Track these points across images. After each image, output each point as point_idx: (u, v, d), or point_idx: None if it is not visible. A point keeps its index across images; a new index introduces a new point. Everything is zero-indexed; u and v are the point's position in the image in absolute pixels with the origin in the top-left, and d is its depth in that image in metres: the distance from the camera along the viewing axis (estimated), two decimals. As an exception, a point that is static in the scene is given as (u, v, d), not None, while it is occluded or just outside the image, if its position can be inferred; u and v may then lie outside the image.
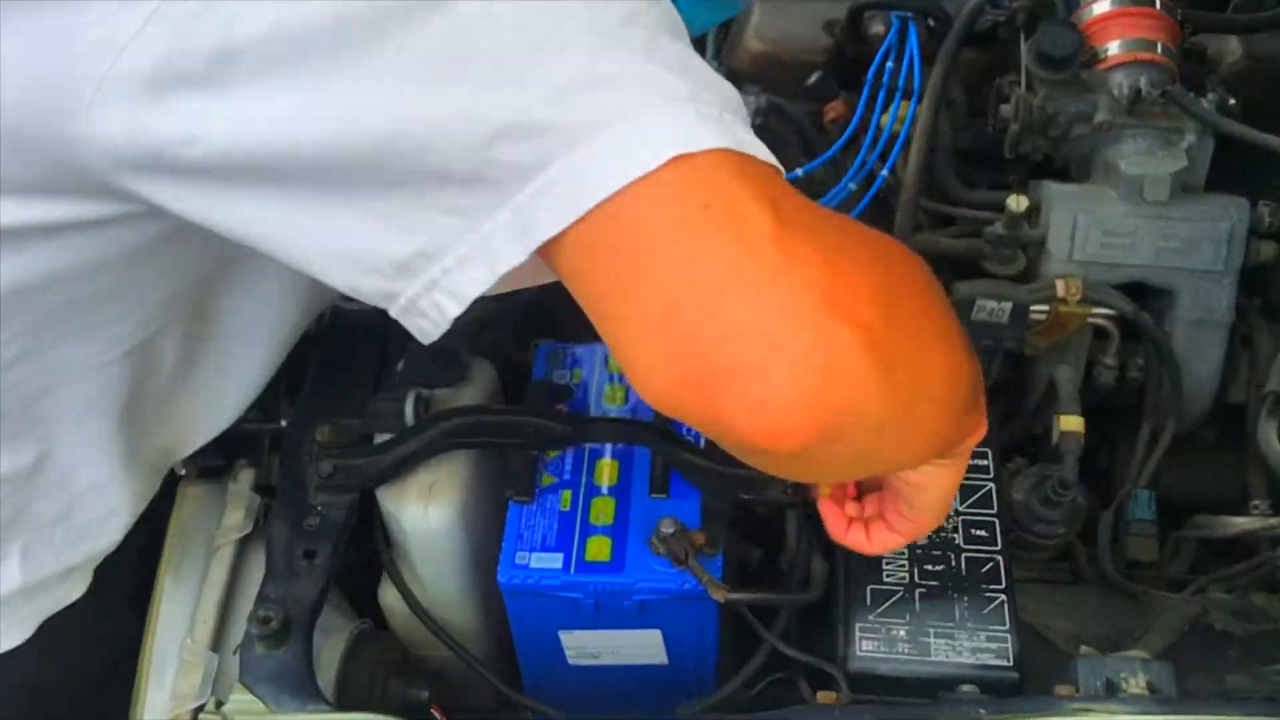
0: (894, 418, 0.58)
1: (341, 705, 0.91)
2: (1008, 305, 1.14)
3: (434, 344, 1.01)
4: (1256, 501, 1.12)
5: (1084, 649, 0.83)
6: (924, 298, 0.62)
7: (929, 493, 0.73)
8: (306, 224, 0.59)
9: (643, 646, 0.94)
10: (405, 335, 1.10)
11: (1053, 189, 1.20)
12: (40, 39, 0.58)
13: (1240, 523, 1.10)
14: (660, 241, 0.54)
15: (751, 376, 0.53)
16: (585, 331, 1.15)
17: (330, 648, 0.99)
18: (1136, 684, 0.76)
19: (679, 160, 0.53)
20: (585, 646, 0.95)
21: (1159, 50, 1.23)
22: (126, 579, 1.00)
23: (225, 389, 0.96)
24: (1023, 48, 1.26)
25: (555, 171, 0.54)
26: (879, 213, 1.28)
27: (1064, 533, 1.06)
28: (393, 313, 0.63)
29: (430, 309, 0.61)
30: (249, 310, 0.90)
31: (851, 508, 0.80)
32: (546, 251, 0.56)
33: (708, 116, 0.55)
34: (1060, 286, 1.15)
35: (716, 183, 0.55)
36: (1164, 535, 1.14)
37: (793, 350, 0.53)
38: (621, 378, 1.02)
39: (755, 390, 0.54)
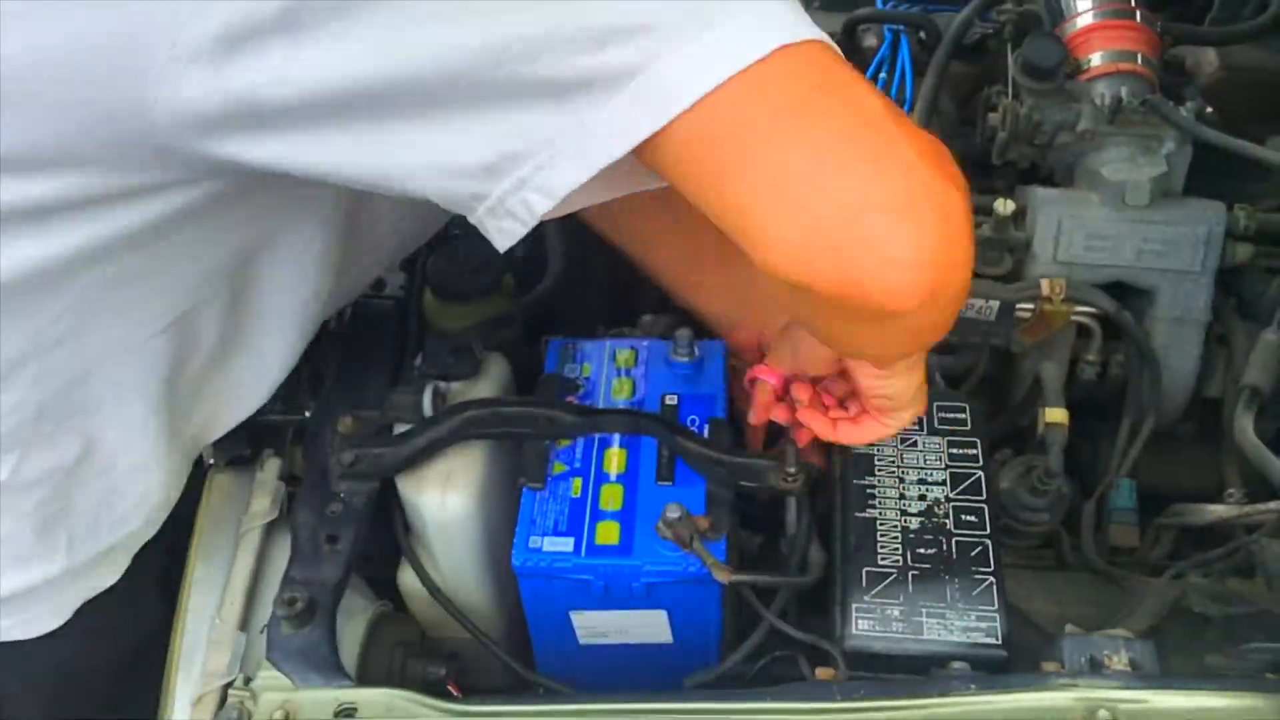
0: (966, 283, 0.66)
1: (363, 683, 0.95)
2: (995, 303, 1.19)
3: (450, 339, 1.08)
4: (1232, 490, 1.18)
5: (1069, 628, 0.88)
6: None
7: (907, 387, 0.84)
8: (396, 147, 0.61)
9: (649, 626, 0.99)
10: (422, 330, 1.17)
11: (1038, 194, 1.26)
12: (108, 6, 0.60)
13: (1217, 510, 1.15)
14: (779, 123, 0.59)
15: (882, 239, 0.59)
16: (592, 328, 1.21)
17: (352, 629, 1.03)
18: (1119, 661, 0.80)
19: (784, 50, 0.58)
20: (595, 626, 0.99)
21: (1139, 61, 1.28)
22: (153, 564, 1.04)
23: (258, 368, 1.00)
24: (1010, 59, 1.31)
25: (661, 67, 0.57)
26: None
27: (1048, 520, 1.12)
28: (475, 217, 0.65)
29: (518, 207, 0.63)
30: (284, 286, 0.93)
31: (835, 411, 0.91)
32: (649, 151, 0.59)
33: (799, 13, 0.60)
34: (1045, 286, 1.21)
35: (823, 67, 0.60)
36: (1144, 524, 1.20)
37: (919, 211, 0.59)
38: (628, 372, 1.07)
39: (885, 251, 0.59)
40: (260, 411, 1.13)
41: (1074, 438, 1.20)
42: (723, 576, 0.89)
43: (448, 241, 1.23)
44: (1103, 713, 0.74)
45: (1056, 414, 1.11)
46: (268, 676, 0.92)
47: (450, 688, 1.03)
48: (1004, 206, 1.23)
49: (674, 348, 1.07)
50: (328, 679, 0.90)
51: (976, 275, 1.25)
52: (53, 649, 0.99)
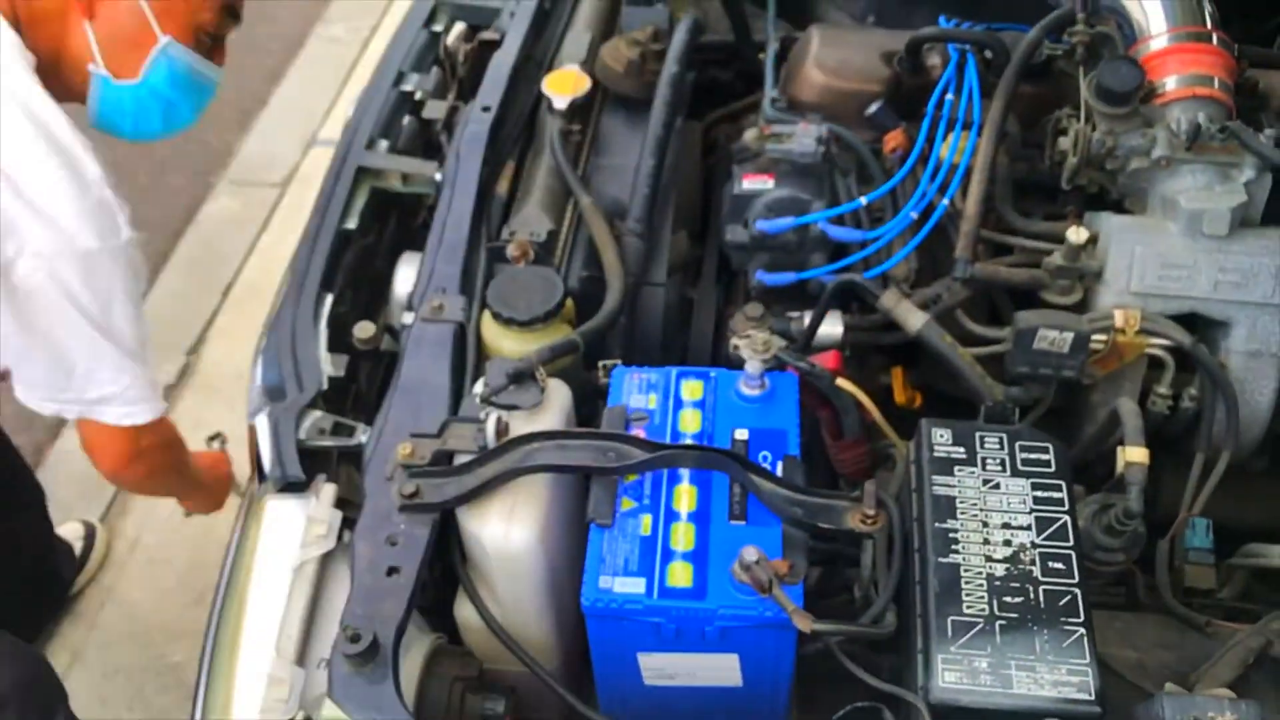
0: None
1: (420, 717, 0.93)
2: (1069, 335, 1.16)
3: (511, 363, 1.05)
4: (1311, 532, 1.14)
5: (1169, 686, 0.85)
6: None
7: None
8: None
9: (719, 670, 0.96)
10: (480, 354, 1.14)
11: (1112, 221, 1.23)
12: None
13: (1296, 553, 1.11)
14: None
15: None
16: (655, 354, 1.19)
17: (409, 661, 1.01)
18: (1224, 724, 0.77)
19: None
20: (663, 668, 0.97)
21: (1216, 85, 1.25)
22: None
23: None
24: (1081, 82, 1.28)
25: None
26: (938, 241, 1.31)
27: (1124, 560, 1.08)
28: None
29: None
30: None
31: None
32: None
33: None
34: (1119, 317, 1.17)
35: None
36: (1217, 564, 1.16)
37: None
38: (697, 404, 1.04)
39: None
40: (314, 437, 1.12)
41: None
42: (804, 625, 0.86)
43: (503, 262, 1.21)
44: (1214, 782, 0.71)
45: (1137, 453, 1.08)
46: (330, 715, 0.90)
47: (511, 726, 1.00)
48: (1077, 235, 1.20)
49: (743, 380, 1.04)
50: (390, 718, 0.88)
51: (1045, 304, 1.23)
52: None
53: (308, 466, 1.11)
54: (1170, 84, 1.26)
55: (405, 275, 1.31)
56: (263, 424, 1.11)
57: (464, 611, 1.06)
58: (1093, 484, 1.15)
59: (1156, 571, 1.13)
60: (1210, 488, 1.18)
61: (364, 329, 1.24)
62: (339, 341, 1.24)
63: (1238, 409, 1.19)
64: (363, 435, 1.13)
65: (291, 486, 1.09)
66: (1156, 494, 1.25)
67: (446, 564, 1.06)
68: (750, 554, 0.88)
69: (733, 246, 1.33)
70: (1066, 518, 0.93)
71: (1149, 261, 1.20)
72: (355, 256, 1.35)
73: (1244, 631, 1.01)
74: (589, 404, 1.14)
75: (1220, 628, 1.05)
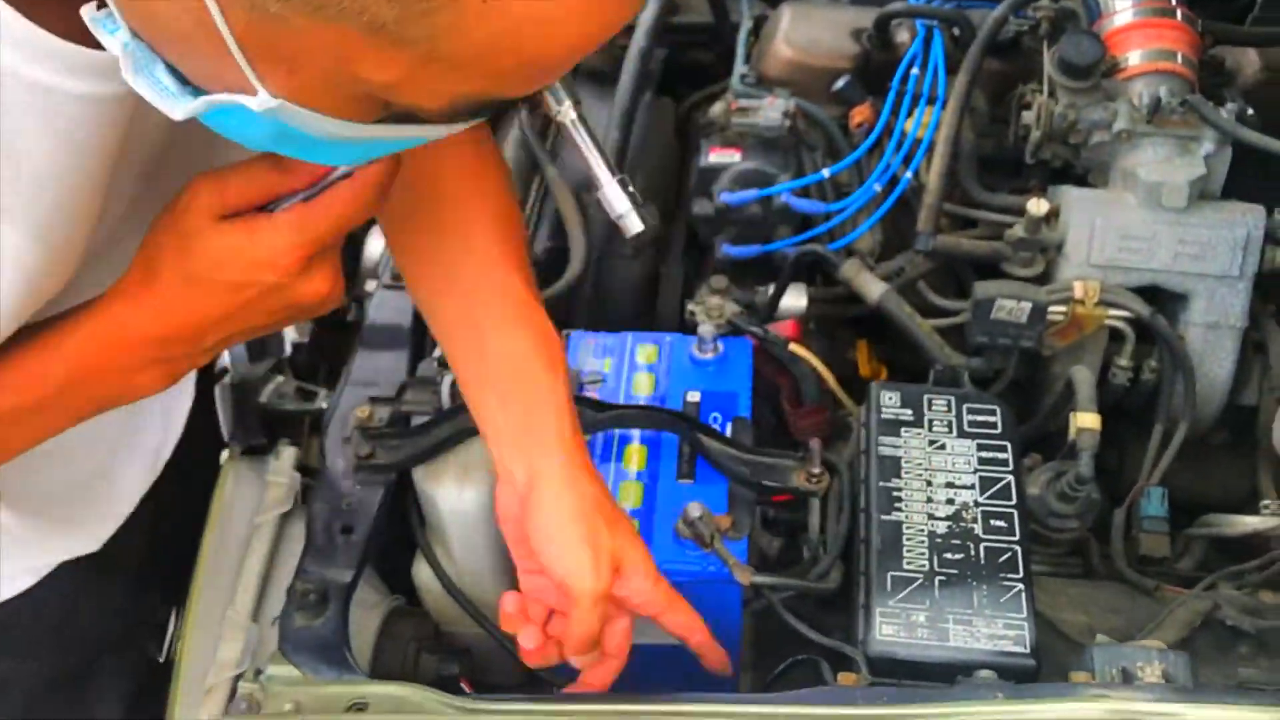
0: None
1: (375, 677, 0.94)
2: (1027, 305, 1.16)
3: (469, 331, 1.06)
4: (1267, 501, 1.15)
5: (1100, 637, 0.86)
6: None
7: None
8: None
9: (668, 627, 0.96)
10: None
11: (1072, 194, 1.24)
12: None
13: (1252, 522, 1.12)
14: None
15: None
16: (622, 329, 1.20)
17: (365, 623, 1.02)
18: (1152, 673, 0.78)
19: None
20: (612, 626, 0.97)
21: (1179, 60, 1.26)
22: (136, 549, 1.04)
23: None
24: (1045, 56, 1.29)
25: None
26: (902, 214, 1.32)
27: (1078, 527, 1.09)
28: None
29: None
30: None
31: None
32: None
33: None
34: (1078, 288, 1.18)
35: None
36: (1174, 534, 1.17)
37: None
38: (650, 367, 1.05)
39: None
40: (275, 401, 1.13)
41: (1103, 445, 1.18)
42: (744, 578, 0.87)
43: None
44: (1135, 726, 0.72)
45: (1088, 419, 1.08)
46: (279, 669, 0.90)
47: (463, 685, 1.01)
48: (1037, 206, 1.21)
49: (697, 344, 1.05)
50: (339, 673, 0.89)
51: (1008, 276, 1.24)
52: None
53: (274, 432, 1.13)
54: (1133, 59, 1.27)
55: (375, 247, 1.32)
56: (224, 389, 1.13)
57: (421, 574, 1.07)
58: (1053, 455, 1.16)
59: (1111, 540, 1.14)
60: (1169, 458, 1.18)
61: (330, 296, 1.24)
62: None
63: (1194, 380, 1.19)
64: (324, 401, 1.15)
65: (253, 450, 1.11)
66: (1121, 467, 1.26)
67: (404, 527, 1.08)
68: (694, 509, 0.89)
69: (699, 219, 1.34)
70: (1010, 478, 0.94)
71: (1108, 234, 1.21)
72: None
73: (1190, 595, 1.02)
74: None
75: (1170, 592, 1.06)
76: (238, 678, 0.93)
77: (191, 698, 0.96)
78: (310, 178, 0.69)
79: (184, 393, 1.09)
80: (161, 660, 1.10)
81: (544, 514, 0.83)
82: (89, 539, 0.98)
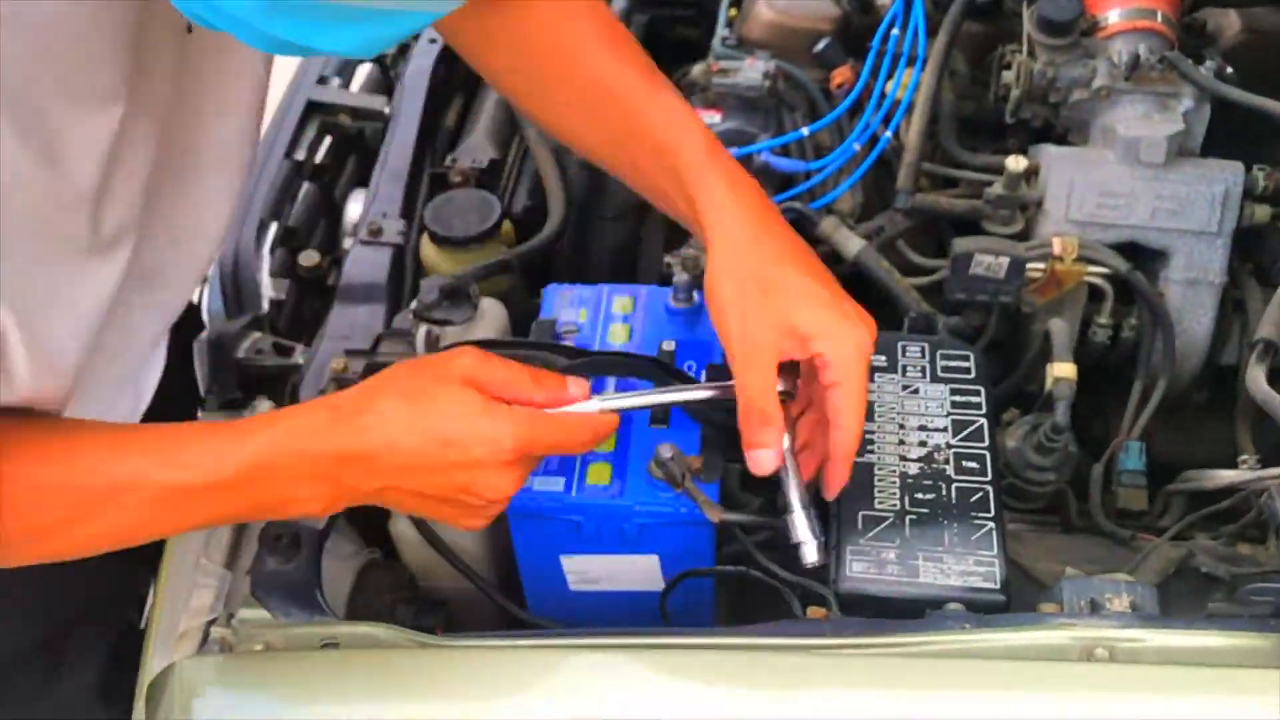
0: None
1: (349, 624, 0.93)
2: (1005, 260, 1.16)
3: (446, 283, 1.06)
4: (1245, 456, 1.14)
5: (1069, 570, 0.85)
6: None
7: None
8: None
9: (641, 572, 0.96)
10: (419, 276, 1.16)
11: (1051, 151, 1.23)
12: None
13: (1229, 475, 1.11)
14: None
15: None
16: (596, 276, 1.20)
17: (340, 575, 1.02)
18: (1120, 603, 0.78)
19: None
20: (586, 571, 0.97)
21: (1159, 19, 1.26)
22: None
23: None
24: (1025, 14, 1.29)
25: None
26: (882, 174, 1.32)
27: (1055, 479, 1.09)
28: None
29: None
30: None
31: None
32: None
33: None
34: (1057, 244, 1.18)
35: None
36: (1153, 492, 1.17)
37: None
38: (625, 318, 1.05)
39: None
40: (252, 357, 1.13)
41: (1084, 407, 1.18)
42: (714, 515, 0.87)
43: (447, 187, 1.22)
44: (1100, 651, 0.72)
45: (1064, 368, 1.08)
46: (250, 612, 0.90)
47: (438, 634, 1.01)
48: (1016, 163, 1.21)
49: (673, 294, 1.05)
50: (311, 614, 0.89)
51: (987, 233, 1.24)
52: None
53: (250, 387, 1.12)
54: (1113, 17, 1.27)
55: (355, 209, 1.32)
56: (201, 345, 1.12)
57: (398, 525, 1.07)
58: (1031, 411, 1.16)
59: (1090, 493, 1.14)
60: (1148, 414, 1.18)
61: (308, 257, 1.25)
62: (290, 273, 1.26)
63: (1174, 336, 1.19)
64: (301, 357, 1.14)
65: (230, 404, 1.10)
66: (1105, 430, 1.25)
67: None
68: (665, 450, 0.89)
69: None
70: (983, 420, 0.94)
71: (1087, 190, 1.20)
72: (312, 194, 1.36)
73: (1164, 542, 1.02)
74: (528, 333, 1.15)
75: (1146, 540, 1.06)
76: (211, 623, 0.93)
77: (164, 645, 0.95)
78: (553, 402, 0.79)
79: (154, 367, 1.09)
80: (141, 627, 1.10)
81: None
82: None
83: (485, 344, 1.01)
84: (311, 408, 0.79)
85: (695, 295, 1.05)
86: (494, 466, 0.75)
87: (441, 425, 0.75)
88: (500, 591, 1.05)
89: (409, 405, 0.75)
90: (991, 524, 0.87)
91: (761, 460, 0.82)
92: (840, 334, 0.80)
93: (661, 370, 0.97)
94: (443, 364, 0.78)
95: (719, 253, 0.82)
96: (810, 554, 0.81)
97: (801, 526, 0.81)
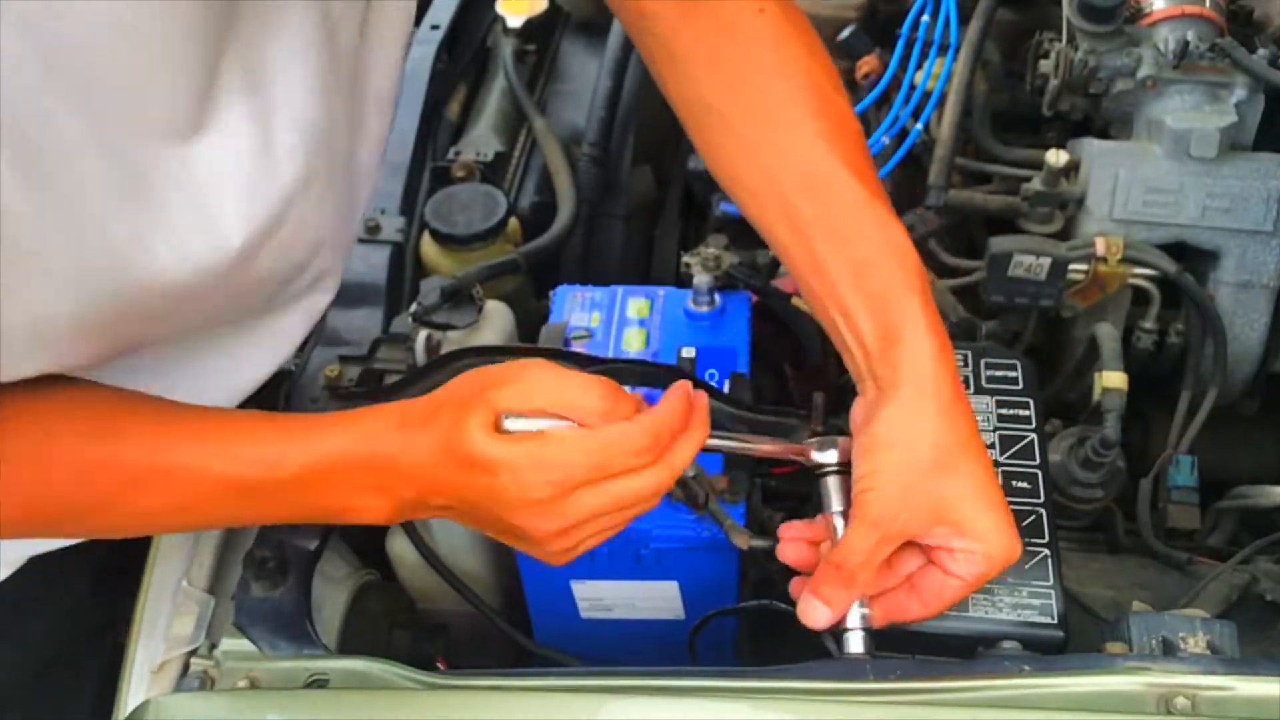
0: None
1: (342, 654, 0.86)
2: (1046, 261, 1.09)
3: (448, 284, 0.99)
4: (1303, 472, 1.07)
5: (1136, 604, 0.78)
6: None
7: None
8: None
9: (659, 600, 0.89)
10: (419, 276, 1.09)
11: (1094, 145, 1.16)
12: None
13: (1287, 492, 1.04)
14: None
15: None
16: (607, 278, 1.13)
17: (333, 597, 0.94)
18: (1196, 643, 0.70)
19: None
20: (598, 598, 0.90)
21: (1207, 3, 1.18)
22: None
23: None
24: (1064, 1, 1.21)
25: None
26: (911, 169, 1.24)
27: (1102, 497, 1.01)
28: None
29: None
30: None
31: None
32: None
33: None
34: (1100, 245, 1.10)
35: None
36: (1203, 509, 1.09)
37: None
38: (641, 322, 0.97)
39: None
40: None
41: (1126, 418, 1.10)
42: (741, 542, 0.80)
43: (449, 182, 1.15)
44: (1181, 700, 0.64)
45: (1114, 378, 1.01)
46: (234, 643, 0.83)
47: (439, 664, 0.94)
48: (1056, 158, 1.13)
49: (693, 297, 0.98)
50: (299, 647, 0.81)
51: (1023, 232, 1.16)
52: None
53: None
54: (1158, 2, 1.19)
55: (352, 206, 1.25)
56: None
57: (396, 545, 1.00)
58: (1073, 423, 1.09)
59: (1138, 511, 1.06)
60: (1197, 425, 1.11)
61: (302, 256, 1.17)
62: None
63: (1226, 343, 1.12)
64: (293, 364, 1.07)
65: (215, 413, 1.03)
66: (1147, 441, 1.18)
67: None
68: (687, 470, 0.82)
69: (696, 175, 1.27)
70: (1033, 436, 0.86)
71: (1133, 187, 1.13)
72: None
73: (1225, 568, 0.94)
74: (537, 336, 1.08)
75: (1202, 564, 0.98)
76: (191, 653, 0.85)
77: (141, 676, 0.88)
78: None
79: None
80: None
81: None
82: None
83: (489, 351, 0.94)
84: (381, 412, 0.73)
85: (717, 298, 0.97)
86: (523, 504, 0.67)
87: (466, 450, 0.67)
88: (505, 617, 0.98)
89: (447, 423, 0.69)
90: (1045, 550, 0.79)
91: (817, 615, 0.72)
92: (995, 545, 0.70)
93: (683, 379, 0.90)
94: (482, 388, 0.70)
95: (906, 404, 0.70)
96: (856, 644, 0.72)
97: (853, 613, 0.72)
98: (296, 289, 0.81)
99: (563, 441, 0.67)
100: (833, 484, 0.76)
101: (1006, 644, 0.73)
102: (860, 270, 0.73)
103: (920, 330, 0.71)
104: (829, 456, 0.76)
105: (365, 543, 1.01)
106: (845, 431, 0.85)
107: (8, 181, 0.54)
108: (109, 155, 0.59)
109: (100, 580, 1.02)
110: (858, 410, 0.75)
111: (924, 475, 0.69)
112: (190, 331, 0.76)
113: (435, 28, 1.28)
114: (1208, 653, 0.69)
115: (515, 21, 1.29)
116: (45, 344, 0.63)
